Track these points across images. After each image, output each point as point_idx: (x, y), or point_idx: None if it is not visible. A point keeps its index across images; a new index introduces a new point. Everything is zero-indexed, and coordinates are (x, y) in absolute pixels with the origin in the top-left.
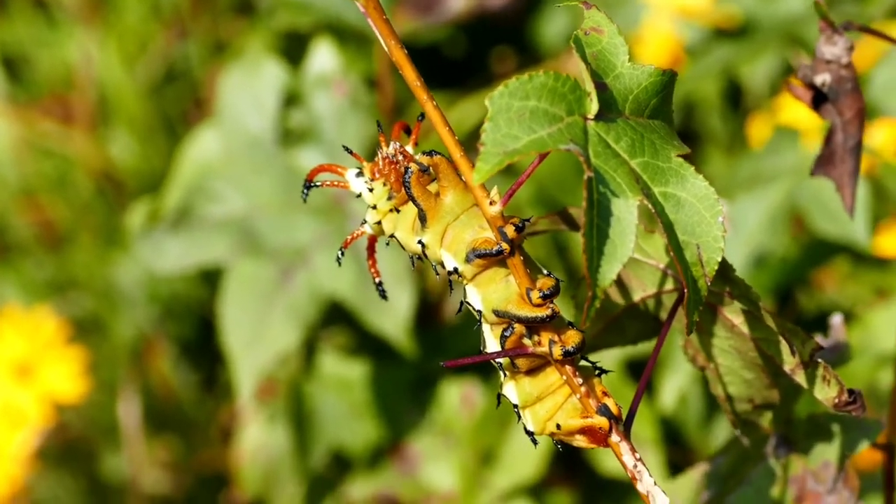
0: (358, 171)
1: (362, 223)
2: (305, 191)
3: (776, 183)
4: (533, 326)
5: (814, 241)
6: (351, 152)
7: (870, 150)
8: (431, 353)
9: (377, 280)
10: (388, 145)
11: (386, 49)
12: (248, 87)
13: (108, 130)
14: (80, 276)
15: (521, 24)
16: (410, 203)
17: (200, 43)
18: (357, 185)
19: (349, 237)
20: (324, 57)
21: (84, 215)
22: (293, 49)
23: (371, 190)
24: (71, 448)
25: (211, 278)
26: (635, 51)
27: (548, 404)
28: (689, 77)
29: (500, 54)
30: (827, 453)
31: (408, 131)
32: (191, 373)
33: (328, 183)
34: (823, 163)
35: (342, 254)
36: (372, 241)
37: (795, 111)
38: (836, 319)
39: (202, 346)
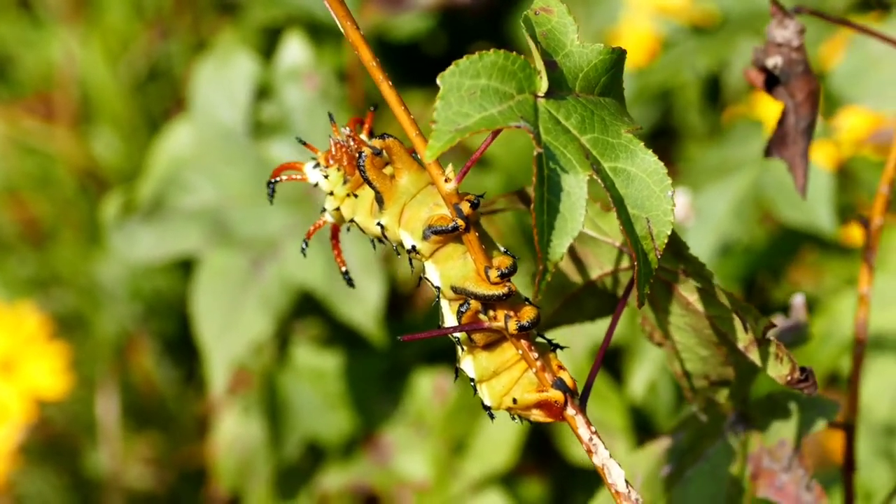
0: (315, 163)
1: (322, 211)
2: (271, 192)
3: (741, 172)
4: (489, 303)
5: (780, 230)
6: (305, 143)
7: (835, 140)
8: (403, 344)
9: (343, 269)
10: (339, 133)
11: (342, 30)
12: (221, 80)
13: (91, 128)
14: (62, 273)
15: (498, 21)
16: (367, 187)
17: (182, 42)
18: (313, 175)
19: (311, 227)
20: (295, 50)
21: (67, 212)
22: (271, 45)
23: (326, 177)
24: (53, 444)
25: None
26: None
27: (504, 379)
28: (659, 67)
29: (478, 51)
30: (783, 432)
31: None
32: (173, 369)
33: (287, 178)
34: (777, 144)
35: (306, 244)
36: (335, 229)
37: (772, 105)
38: (798, 299)
39: (184, 343)
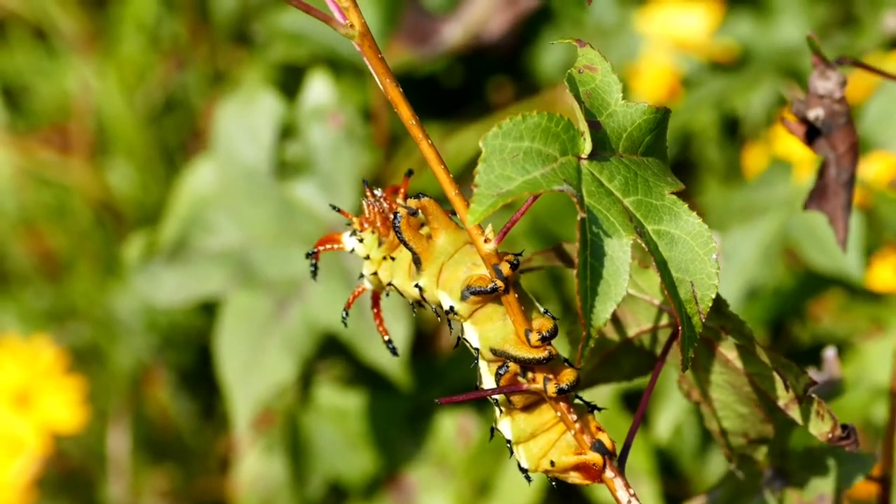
0: (351, 231)
1: (360, 277)
2: (313, 267)
3: (769, 215)
4: (529, 366)
5: (807, 274)
6: (339, 210)
7: (862, 182)
8: (427, 384)
9: (386, 338)
10: (373, 195)
11: (381, 87)
12: (244, 119)
13: (107, 160)
14: (78, 306)
15: (517, 54)
16: (404, 250)
17: (199, 73)
18: (349, 242)
19: (351, 296)
20: (319, 89)
21: (83, 244)
22: (292, 82)
23: (361, 241)
24: (69, 477)
25: (210, 308)
26: (632, 84)
27: (541, 441)
28: (684, 108)
29: (496, 84)
30: (822, 486)
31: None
32: (189, 402)
33: (324, 249)
34: (816, 196)
35: (346, 314)
36: (375, 297)
37: (791, 142)
38: (830, 353)
39: (201, 376)
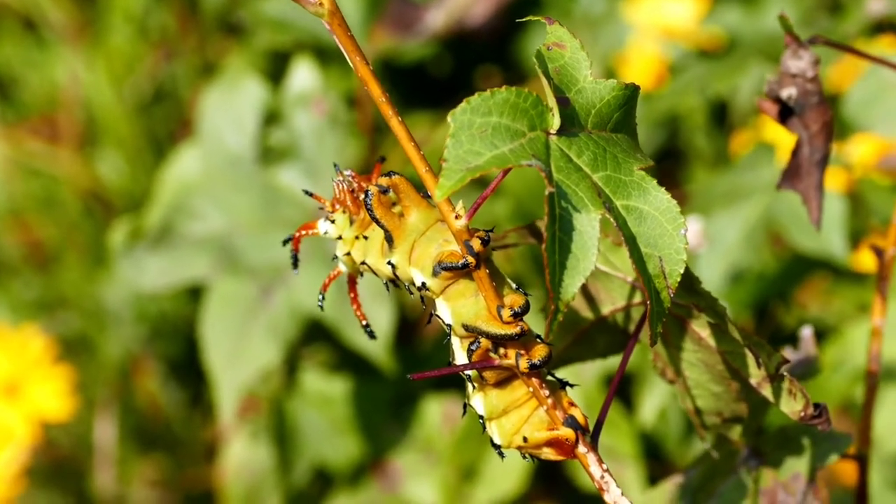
0: (325, 217)
1: (333, 258)
2: (294, 258)
3: (753, 198)
4: (501, 342)
5: (792, 257)
6: (311, 194)
7: (847, 166)
8: (412, 369)
9: (364, 322)
10: (342, 175)
11: (352, 65)
12: (229, 106)
13: (96, 150)
14: (67, 295)
15: (505, 43)
16: (376, 228)
17: (188, 63)
18: (322, 226)
19: (327, 279)
20: (303, 75)
21: (72, 234)
22: (279, 69)
23: (333, 222)
24: (59, 466)
25: (198, 297)
26: (620, 72)
27: (514, 417)
28: (669, 93)
29: (485, 73)
30: (797, 465)
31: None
32: (178, 391)
33: (300, 235)
34: (790, 176)
35: (322, 297)
36: (352, 280)
37: (779, 128)
38: (806, 332)
39: (190, 365)
